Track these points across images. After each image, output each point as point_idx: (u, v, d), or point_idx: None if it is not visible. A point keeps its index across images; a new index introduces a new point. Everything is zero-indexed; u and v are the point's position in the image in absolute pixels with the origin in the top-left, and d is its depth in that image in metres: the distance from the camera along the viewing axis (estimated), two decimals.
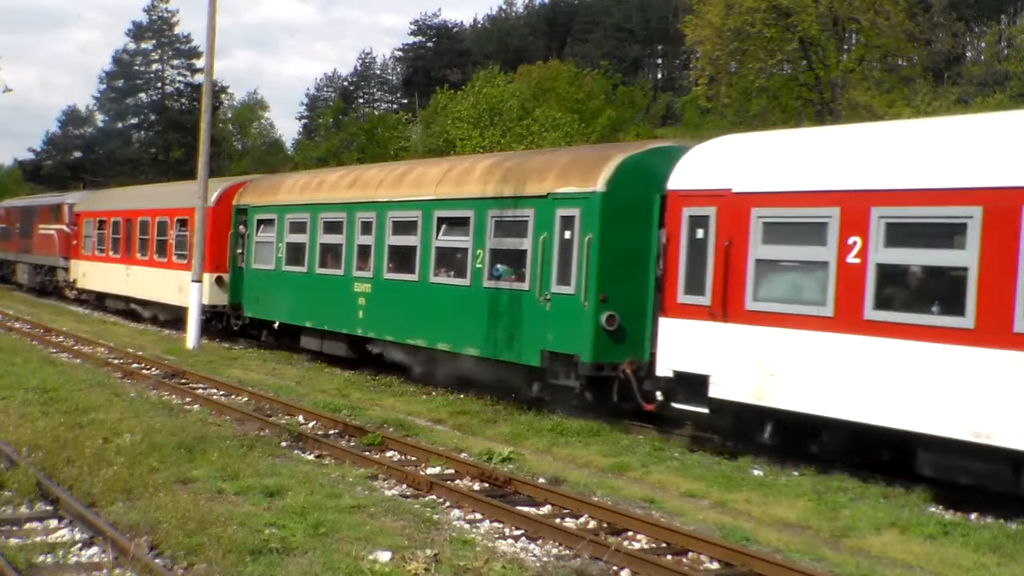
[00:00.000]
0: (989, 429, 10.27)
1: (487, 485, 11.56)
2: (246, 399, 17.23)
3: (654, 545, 9.48)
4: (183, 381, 19.02)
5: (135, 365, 20.77)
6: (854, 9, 36.86)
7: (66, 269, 38.00)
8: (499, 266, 16.63)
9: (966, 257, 10.62)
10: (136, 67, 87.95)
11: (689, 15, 38.98)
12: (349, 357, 20.96)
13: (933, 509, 10.81)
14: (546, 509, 10.71)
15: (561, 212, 15.40)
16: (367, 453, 12.95)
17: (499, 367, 16.60)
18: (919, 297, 11.23)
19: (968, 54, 62.25)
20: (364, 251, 20.02)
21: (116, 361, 21.41)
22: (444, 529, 9.59)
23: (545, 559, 8.98)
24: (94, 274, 34.63)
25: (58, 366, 19.80)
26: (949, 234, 10.92)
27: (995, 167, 10.65)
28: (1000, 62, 50.84)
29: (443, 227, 18.02)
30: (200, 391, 17.80)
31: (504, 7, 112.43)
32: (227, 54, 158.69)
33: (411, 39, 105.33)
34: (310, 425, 14.96)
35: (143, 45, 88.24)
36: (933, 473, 11.23)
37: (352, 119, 72.99)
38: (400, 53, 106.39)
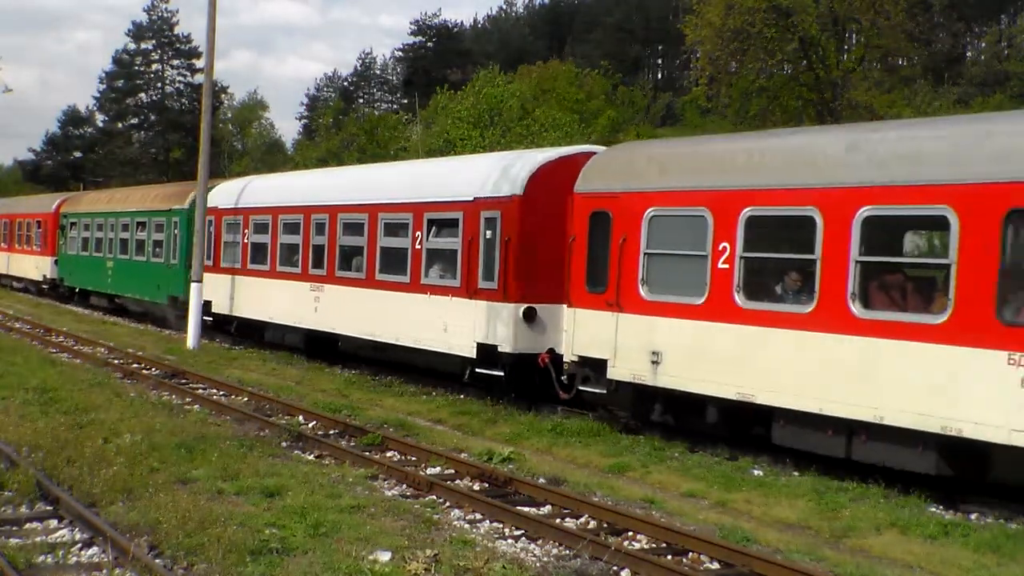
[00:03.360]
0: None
1: (487, 485, 11.56)
2: (246, 399, 17.24)
3: (654, 545, 9.48)
4: (183, 381, 19.04)
5: (135, 365, 20.79)
6: (854, 9, 36.84)
7: None
8: (158, 249, 29.65)
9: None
10: (136, 67, 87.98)
11: (689, 15, 39.00)
12: (109, 307, 34.12)
13: (933, 509, 10.79)
14: (546, 509, 10.71)
15: (173, 219, 28.77)
16: (367, 453, 12.96)
17: (157, 305, 29.61)
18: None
19: (968, 54, 62.28)
20: (111, 242, 33.48)
21: (116, 361, 21.43)
22: (444, 529, 9.59)
23: (545, 559, 8.98)
24: None
25: (58, 366, 19.82)
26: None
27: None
28: (1000, 62, 50.89)
29: (138, 228, 31.40)
30: (200, 391, 17.82)
31: (504, 7, 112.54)
32: (226, 54, 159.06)
33: (411, 39, 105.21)
34: (310, 425, 14.97)
35: (143, 45, 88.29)
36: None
37: (352, 119, 72.91)
38: (400, 53, 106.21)
